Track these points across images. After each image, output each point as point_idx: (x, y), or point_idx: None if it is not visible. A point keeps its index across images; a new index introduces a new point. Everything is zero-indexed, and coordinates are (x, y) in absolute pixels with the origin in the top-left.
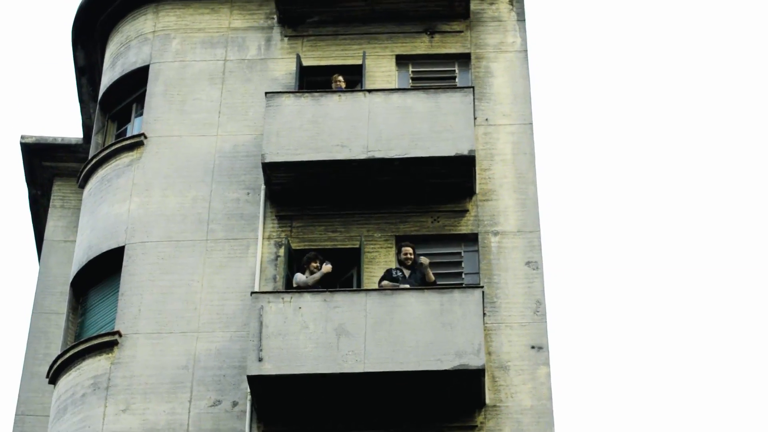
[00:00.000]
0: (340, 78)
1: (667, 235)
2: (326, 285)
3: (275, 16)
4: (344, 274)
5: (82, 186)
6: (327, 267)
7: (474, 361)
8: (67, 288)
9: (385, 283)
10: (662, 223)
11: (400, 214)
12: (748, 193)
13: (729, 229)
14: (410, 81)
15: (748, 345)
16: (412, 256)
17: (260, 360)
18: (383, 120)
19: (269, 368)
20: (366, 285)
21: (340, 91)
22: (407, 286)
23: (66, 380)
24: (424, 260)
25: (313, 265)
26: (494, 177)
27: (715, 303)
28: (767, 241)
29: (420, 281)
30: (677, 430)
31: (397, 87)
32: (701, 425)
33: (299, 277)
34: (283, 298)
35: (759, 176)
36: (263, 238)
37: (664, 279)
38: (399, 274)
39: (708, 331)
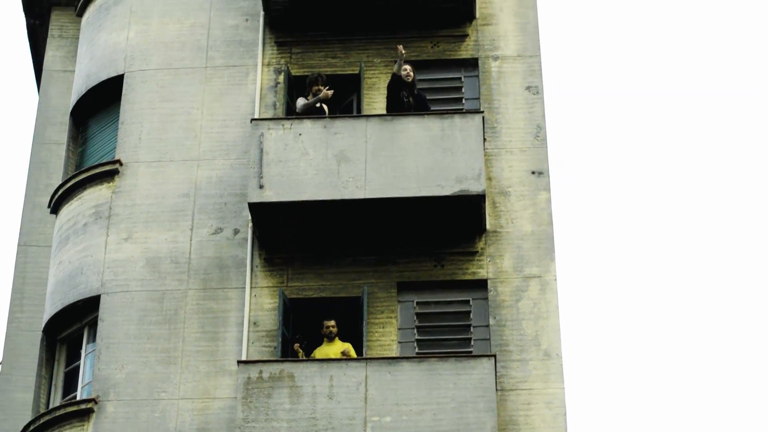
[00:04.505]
0: None
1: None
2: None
3: None
4: (344, 101)
5: (80, 14)
6: (328, 92)
7: (474, 187)
8: (67, 118)
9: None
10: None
11: (400, 39)
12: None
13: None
14: None
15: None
16: (413, 74)
17: (261, 187)
18: None
19: (270, 195)
20: (366, 111)
21: None
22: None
23: (68, 209)
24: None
25: (315, 88)
26: (494, 1)
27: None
28: None
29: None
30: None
31: None
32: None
33: (300, 101)
34: (283, 125)
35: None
36: (263, 65)
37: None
38: (405, 100)
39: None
